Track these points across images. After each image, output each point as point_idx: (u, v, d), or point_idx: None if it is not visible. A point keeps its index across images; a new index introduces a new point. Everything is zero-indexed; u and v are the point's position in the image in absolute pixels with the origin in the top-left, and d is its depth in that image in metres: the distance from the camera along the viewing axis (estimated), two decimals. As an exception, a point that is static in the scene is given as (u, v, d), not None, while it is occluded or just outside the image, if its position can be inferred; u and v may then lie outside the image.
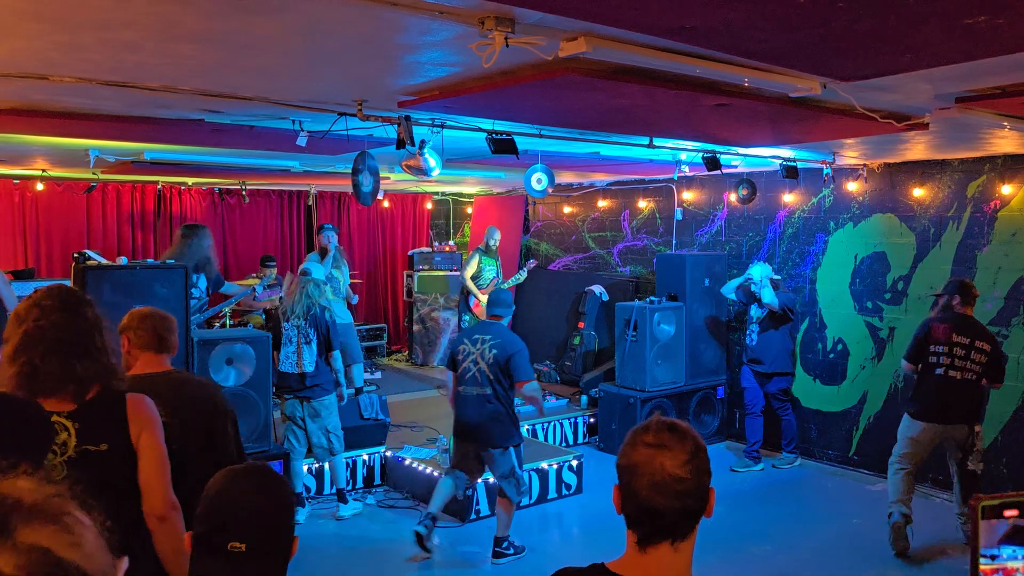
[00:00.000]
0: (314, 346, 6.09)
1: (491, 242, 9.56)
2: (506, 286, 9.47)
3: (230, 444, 3.08)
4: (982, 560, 1.28)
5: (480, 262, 9.53)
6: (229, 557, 1.68)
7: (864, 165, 7.38)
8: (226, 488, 1.78)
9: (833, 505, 6.78)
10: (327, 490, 6.65)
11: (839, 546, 5.90)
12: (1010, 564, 1.28)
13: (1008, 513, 1.28)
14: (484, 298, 9.35)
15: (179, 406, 2.85)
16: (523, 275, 9.65)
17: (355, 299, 8.80)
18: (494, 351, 5.41)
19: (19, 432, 2.30)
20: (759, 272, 7.48)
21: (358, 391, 8.28)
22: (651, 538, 1.64)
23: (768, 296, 7.31)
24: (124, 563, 0.85)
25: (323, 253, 8.42)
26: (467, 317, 9.60)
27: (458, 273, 11.33)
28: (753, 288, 7.47)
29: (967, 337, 5.68)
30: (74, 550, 0.74)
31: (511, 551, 5.60)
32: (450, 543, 5.94)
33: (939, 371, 5.70)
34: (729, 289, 7.84)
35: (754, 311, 7.60)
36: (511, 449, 5.49)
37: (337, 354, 6.21)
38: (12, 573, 0.69)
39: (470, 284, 9.48)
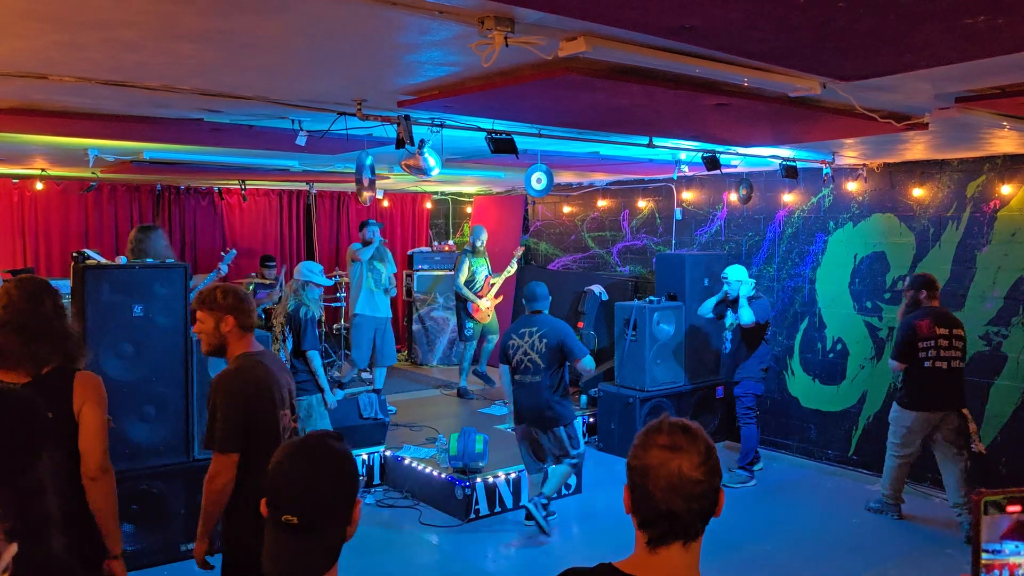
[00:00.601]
0: (289, 344, 6.07)
1: (478, 243, 9.38)
2: (500, 280, 9.41)
3: None
4: (984, 555, 1.28)
5: (471, 265, 9.32)
6: (285, 529, 1.75)
7: (864, 165, 7.38)
8: (281, 462, 1.83)
9: (832, 505, 6.77)
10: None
11: (838, 546, 5.90)
12: (1012, 559, 1.28)
13: (1011, 508, 1.28)
14: (483, 303, 9.24)
15: (289, 376, 3.47)
16: (513, 266, 9.51)
17: (393, 292, 8.71)
18: (544, 340, 5.87)
19: (18, 431, 2.37)
20: (734, 274, 7.22)
21: (376, 392, 8.20)
22: (664, 539, 1.64)
23: (747, 317, 7.00)
24: (12, 549, 0.87)
25: (366, 247, 8.54)
26: (470, 324, 9.33)
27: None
28: (727, 288, 7.23)
29: (946, 327, 6.05)
30: None
31: (544, 514, 5.85)
32: (449, 543, 5.94)
33: (927, 364, 6.00)
34: (707, 310, 7.56)
35: (729, 318, 7.33)
36: (562, 428, 5.93)
37: (313, 354, 6.08)
38: None
39: (465, 291, 9.25)
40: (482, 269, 9.42)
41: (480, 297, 9.28)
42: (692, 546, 1.66)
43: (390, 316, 8.66)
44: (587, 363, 5.91)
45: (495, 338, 9.43)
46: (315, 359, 6.12)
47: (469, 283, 9.31)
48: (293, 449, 1.86)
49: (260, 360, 3.28)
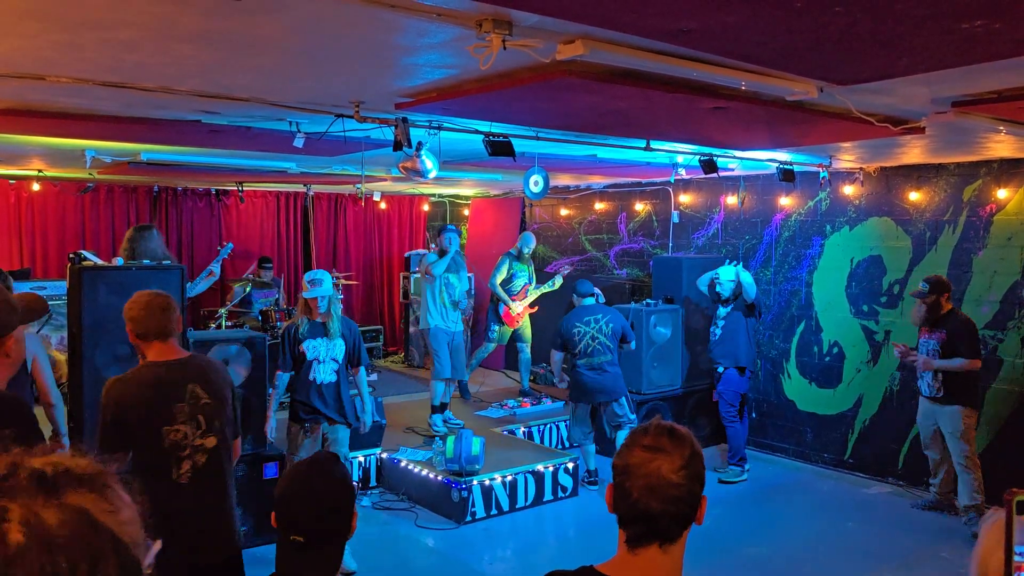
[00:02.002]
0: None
1: (525, 249, 9.08)
2: (537, 293, 9.10)
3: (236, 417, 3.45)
4: (1016, 557, 1.26)
5: (510, 267, 9.03)
6: (294, 545, 2.01)
7: (860, 169, 7.40)
8: (286, 487, 2.10)
9: (828, 508, 6.78)
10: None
11: (834, 549, 5.90)
12: None
13: None
14: (515, 305, 8.97)
15: (215, 388, 3.28)
16: (558, 282, 9.05)
17: (464, 303, 7.94)
18: (611, 325, 6.84)
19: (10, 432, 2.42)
20: (726, 275, 7.38)
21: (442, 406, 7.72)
22: (641, 539, 1.66)
23: (748, 280, 7.23)
24: (157, 545, 0.97)
25: (442, 255, 7.70)
26: (495, 327, 9.08)
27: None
28: (719, 289, 7.39)
29: None
30: (110, 516, 0.88)
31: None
32: (446, 545, 5.93)
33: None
34: (703, 282, 7.74)
35: (722, 311, 7.45)
36: (624, 397, 6.91)
37: (279, 375, 5.53)
38: (55, 526, 0.82)
39: (500, 291, 8.97)
40: (523, 275, 9.12)
41: (514, 300, 8.99)
42: (671, 549, 1.67)
43: (461, 329, 7.94)
44: (634, 345, 7.17)
45: (527, 347, 9.20)
46: (278, 380, 5.52)
47: (505, 284, 9.03)
48: (296, 474, 2.12)
49: (152, 371, 3.15)
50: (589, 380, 6.80)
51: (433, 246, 9.75)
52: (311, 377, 5.40)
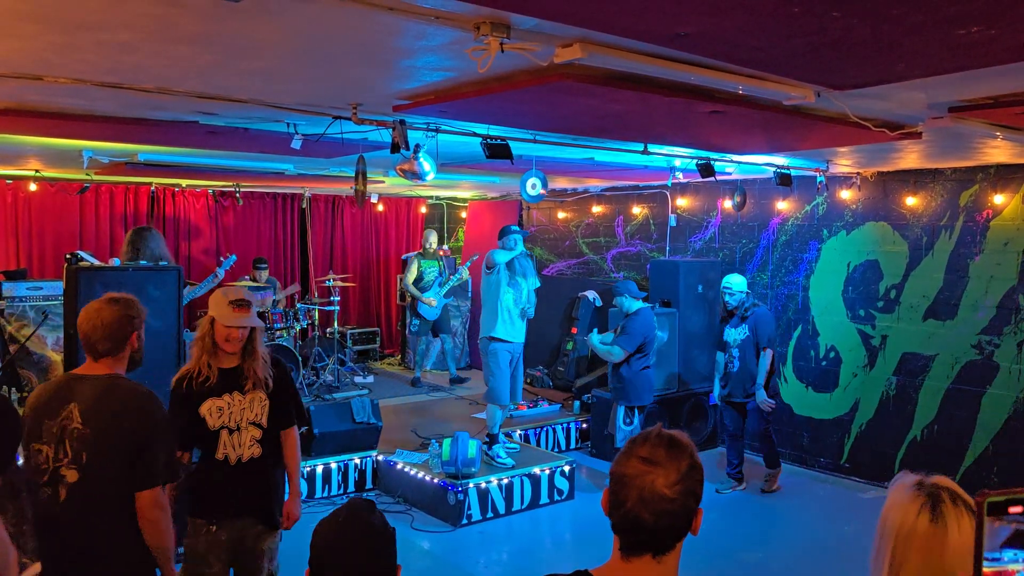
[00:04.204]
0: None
1: (427, 246, 10.14)
2: (449, 286, 10.03)
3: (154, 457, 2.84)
4: (985, 563, 1.25)
5: (419, 267, 10.00)
6: None
7: (857, 173, 7.41)
8: (324, 541, 1.94)
9: (825, 512, 6.78)
10: (318, 493, 6.63)
11: (831, 554, 5.90)
12: (1011, 567, 1.26)
13: (1013, 510, 1.25)
14: (432, 301, 9.84)
15: (99, 416, 2.80)
16: (464, 273, 10.16)
17: (531, 313, 7.01)
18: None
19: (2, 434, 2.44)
20: (739, 285, 7.01)
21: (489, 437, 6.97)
22: (634, 548, 1.65)
23: (763, 362, 6.87)
24: (35, 567, 0.96)
25: None
26: (416, 321, 10.06)
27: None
28: (728, 299, 7.05)
29: None
30: None
31: None
32: (441, 548, 5.92)
33: None
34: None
35: (733, 334, 7.02)
36: None
37: None
38: None
39: (413, 290, 9.90)
40: (432, 271, 10.05)
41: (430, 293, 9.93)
42: (665, 560, 1.65)
43: (523, 341, 7.05)
44: None
45: (449, 337, 10.28)
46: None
47: (417, 283, 9.96)
48: (336, 528, 1.96)
49: (58, 381, 2.93)
50: (652, 380, 7.10)
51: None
52: (220, 456, 3.47)
